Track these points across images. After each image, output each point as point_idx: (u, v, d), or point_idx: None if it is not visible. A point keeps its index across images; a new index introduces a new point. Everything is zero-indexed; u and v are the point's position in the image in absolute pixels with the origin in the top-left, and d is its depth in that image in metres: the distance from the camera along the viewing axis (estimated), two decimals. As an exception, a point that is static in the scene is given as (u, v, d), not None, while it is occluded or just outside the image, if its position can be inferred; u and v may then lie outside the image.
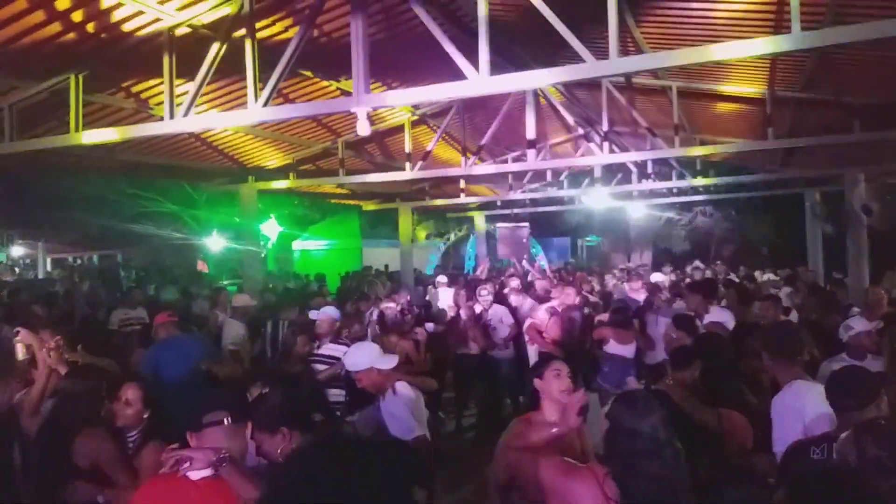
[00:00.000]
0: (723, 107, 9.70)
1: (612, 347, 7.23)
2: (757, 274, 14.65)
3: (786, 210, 19.68)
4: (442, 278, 12.23)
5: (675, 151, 9.06)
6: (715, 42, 6.36)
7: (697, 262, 17.59)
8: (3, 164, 8.18)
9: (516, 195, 15.06)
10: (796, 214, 16.98)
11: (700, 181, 12.77)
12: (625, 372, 6.79)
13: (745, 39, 4.20)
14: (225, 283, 14.26)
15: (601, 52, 4.36)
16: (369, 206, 16.84)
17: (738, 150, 9.26)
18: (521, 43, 7.45)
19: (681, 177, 13.50)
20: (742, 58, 4.53)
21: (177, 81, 5.58)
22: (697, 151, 9.97)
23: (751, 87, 8.37)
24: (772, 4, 5.63)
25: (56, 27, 5.16)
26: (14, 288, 11.41)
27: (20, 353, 4.51)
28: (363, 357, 4.32)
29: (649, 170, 13.15)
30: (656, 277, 11.29)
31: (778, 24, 5.85)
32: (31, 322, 5.53)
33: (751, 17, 6.01)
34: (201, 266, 19.62)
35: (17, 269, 20.28)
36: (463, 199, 14.90)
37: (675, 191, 16.05)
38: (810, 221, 15.79)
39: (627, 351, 7.15)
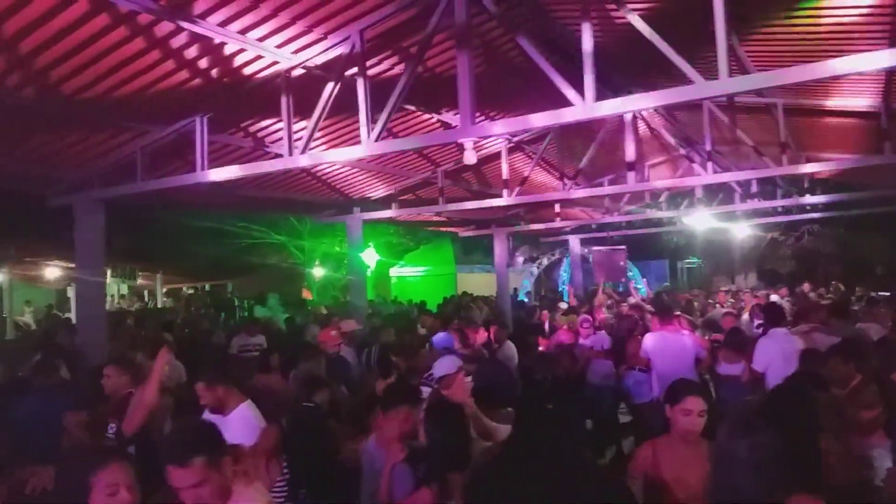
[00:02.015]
0: (832, 122, 9.33)
1: (724, 368, 7.01)
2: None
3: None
4: (563, 304, 12.22)
5: (783, 169, 8.71)
6: (822, 57, 6.23)
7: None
8: (129, 202, 8.74)
9: (613, 218, 14.89)
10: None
11: (810, 199, 12.22)
12: (742, 393, 6.35)
13: (857, 53, 4.01)
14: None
15: (707, 73, 4.33)
16: (466, 233, 17.04)
17: (852, 165, 8.80)
18: (618, 66, 7.45)
19: (787, 195, 12.98)
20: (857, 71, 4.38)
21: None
22: (807, 168, 9.50)
23: (863, 101, 8.04)
24: (886, 14, 5.44)
25: (184, 74, 5.56)
26: (140, 317, 12.23)
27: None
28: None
29: (753, 189, 12.75)
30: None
31: (893, 34, 5.63)
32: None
33: (862, 29, 5.81)
34: (306, 294, 20.37)
35: (138, 301, 21.67)
36: (558, 223, 14.84)
37: (780, 210, 15.44)
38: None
39: (739, 369, 6.76)
